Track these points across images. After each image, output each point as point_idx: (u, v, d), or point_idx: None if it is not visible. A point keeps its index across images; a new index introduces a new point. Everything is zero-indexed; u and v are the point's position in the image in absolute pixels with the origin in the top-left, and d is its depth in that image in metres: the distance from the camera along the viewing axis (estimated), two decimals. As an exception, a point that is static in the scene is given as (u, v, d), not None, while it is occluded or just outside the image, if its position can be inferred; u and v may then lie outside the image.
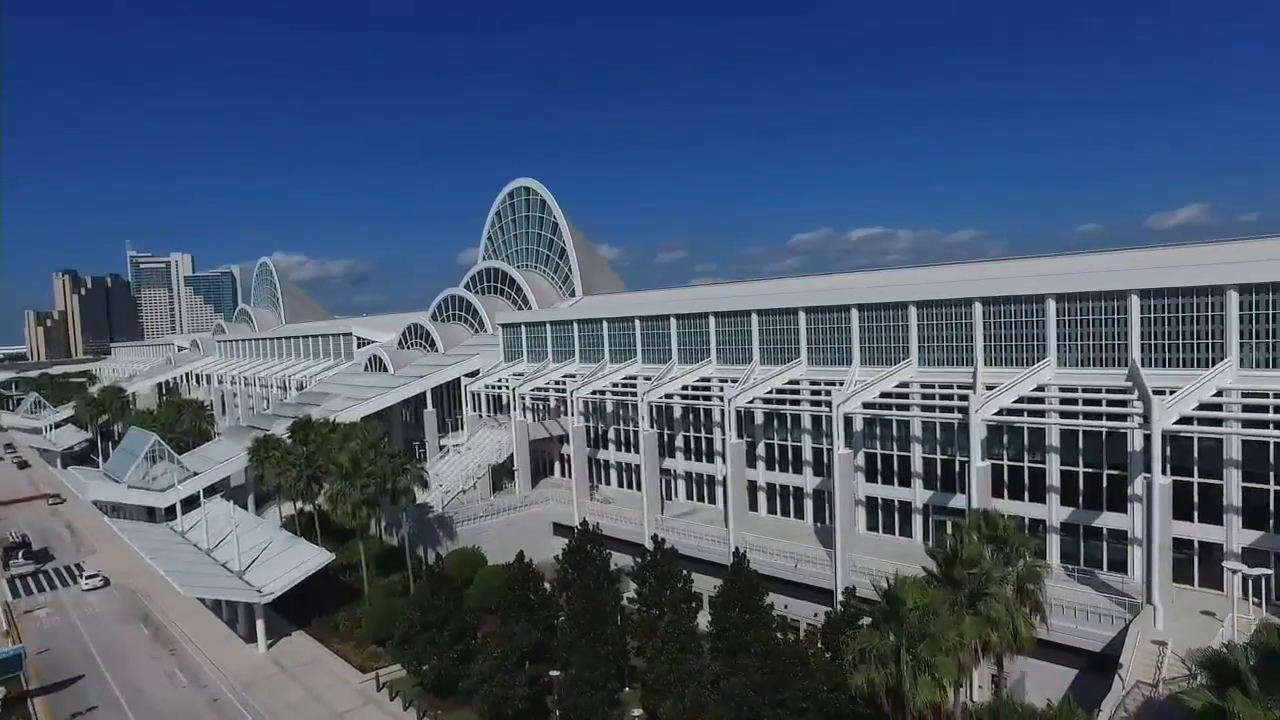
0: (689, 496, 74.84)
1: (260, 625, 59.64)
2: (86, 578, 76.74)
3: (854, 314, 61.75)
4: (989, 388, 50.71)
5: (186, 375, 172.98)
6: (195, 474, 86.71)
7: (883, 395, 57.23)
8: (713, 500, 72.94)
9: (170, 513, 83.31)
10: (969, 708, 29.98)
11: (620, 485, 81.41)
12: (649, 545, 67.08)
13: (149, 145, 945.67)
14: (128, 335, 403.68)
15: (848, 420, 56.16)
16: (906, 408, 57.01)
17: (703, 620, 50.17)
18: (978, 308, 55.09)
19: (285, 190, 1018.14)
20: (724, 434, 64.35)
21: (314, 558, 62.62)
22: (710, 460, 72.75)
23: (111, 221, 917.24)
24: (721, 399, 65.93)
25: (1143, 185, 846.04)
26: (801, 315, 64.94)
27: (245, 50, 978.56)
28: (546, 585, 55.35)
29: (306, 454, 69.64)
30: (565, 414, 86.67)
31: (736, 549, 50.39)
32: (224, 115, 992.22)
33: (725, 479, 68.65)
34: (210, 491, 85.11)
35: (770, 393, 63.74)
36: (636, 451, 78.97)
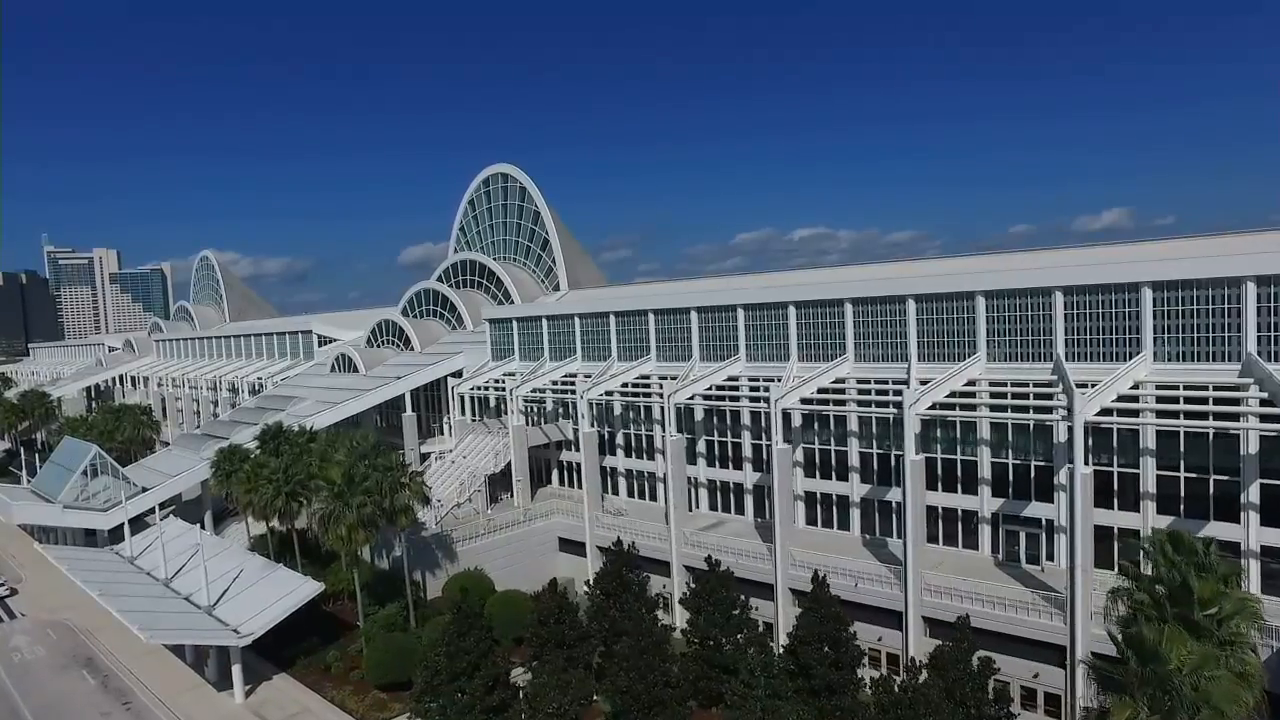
0: (712, 507, 68.23)
1: (237, 670, 50.63)
2: None
3: (910, 305, 56.09)
4: (1080, 386, 45.37)
5: (120, 378, 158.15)
6: (144, 490, 76.10)
7: (952, 394, 51.68)
8: (740, 511, 66.54)
9: (115, 535, 72.69)
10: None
11: (631, 495, 74.36)
12: (675, 564, 60.84)
13: (64, 136, 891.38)
14: (46, 336, 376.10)
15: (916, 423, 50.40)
16: (980, 408, 51.52)
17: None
18: (1059, 297, 49.92)
19: (216, 186, 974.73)
20: (770, 438, 57.81)
21: (298, 588, 53.82)
22: (737, 467, 66.29)
23: (23, 214, 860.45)
24: (760, 400, 59.63)
25: (1068, 189, 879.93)
26: (848, 307, 59.02)
27: (166, 35, 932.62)
28: (582, 617, 48.14)
29: (283, 467, 60.50)
30: (563, 417, 79.45)
31: (816, 571, 44.02)
32: (147, 105, 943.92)
33: (769, 488, 62.56)
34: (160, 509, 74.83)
35: (815, 393, 57.60)
36: (651, 458, 72.33)
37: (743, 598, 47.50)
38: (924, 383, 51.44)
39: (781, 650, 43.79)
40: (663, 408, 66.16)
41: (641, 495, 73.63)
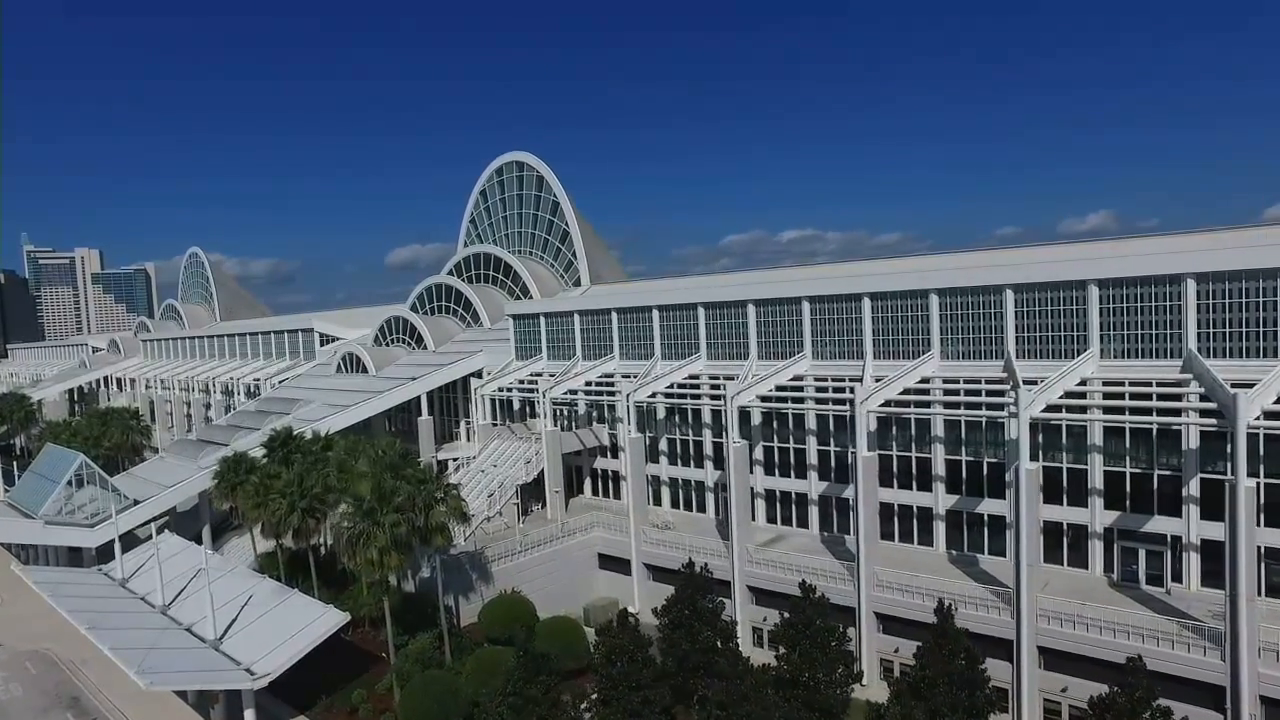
0: (770, 520, 61.93)
1: (250, 716, 43.74)
2: None
3: (1009, 296, 50.13)
4: (1237, 385, 39.22)
5: (105, 379, 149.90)
6: (136, 502, 68.82)
7: (1065, 395, 45.74)
8: (803, 524, 60.34)
9: (104, 554, 65.43)
10: None
11: (676, 506, 67.97)
12: (737, 584, 54.59)
13: (45, 136, 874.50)
14: (26, 336, 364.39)
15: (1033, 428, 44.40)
16: (1093, 410, 45.66)
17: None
18: (1190, 286, 44.05)
19: (200, 187, 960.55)
20: (839, 444, 52.16)
21: (319, 618, 46.77)
22: (800, 475, 60.11)
23: (3, 213, 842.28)
24: (837, 402, 53.60)
25: (1052, 192, 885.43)
26: (934, 299, 53.02)
27: (147, 32, 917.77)
28: (653, 653, 41.72)
29: (297, 479, 53.64)
30: (597, 420, 73.14)
31: (941, 601, 37.83)
32: (130, 103, 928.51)
33: (837, 499, 56.91)
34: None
35: (899, 394, 51.49)
36: (699, 465, 66.07)
37: (841, 628, 41.39)
38: (1031, 382, 45.33)
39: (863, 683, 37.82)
40: (720, 410, 60.18)
41: (688, 506, 67.32)
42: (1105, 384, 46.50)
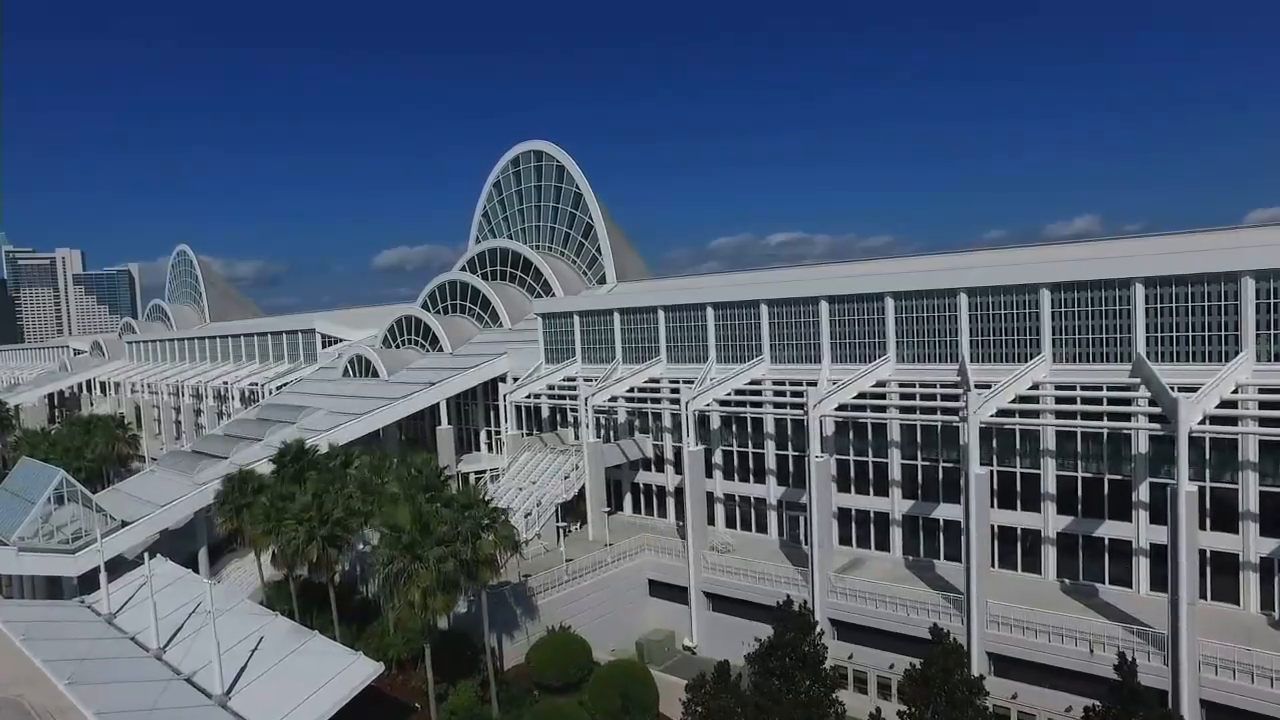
0: (844, 541, 55.15)
1: (266, 789, 36.58)
2: None
3: (1138, 291, 43.78)
4: None
5: (88, 384, 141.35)
6: (124, 524, 61.29)
7: (1224, 403, 39.43)
8: (883, 547, 53.69)
9: (87, 583, 57.85)
10: None
11: (732, 525, 61.18)
12: (820, 616, 47.61)
13: (30, 134, 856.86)
14: (3, 339, 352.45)
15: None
16: (1246, 420, 39.40)
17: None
18: (1374, 275, 37.90)
19: (185, 187, 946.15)
20: (926, 456, 45.68)
21: (346, 669, 39.51)
22: (880, 493, 53.53)
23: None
24: (928, 410, 47.07)
25: (1039, 196, 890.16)
26: (1045, 294, 46.56)
27: (132, 29, 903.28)
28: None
29: (316, 502, 46.36)
30: (640, 430, 66.36)
31: (1123, 654, 31.21)
32: (110, 103, 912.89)
33: (925, 519, 50.50)
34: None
35: (1010, 402, 45.03)
36: (760, 481, 59.46)
37: (980, 676, 34.81)
38: (1187, 389, 38.75)
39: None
40: (785, 420, 53.61)
41: (745, 526, 60.56)
42: (1261, 391, 40.27)
